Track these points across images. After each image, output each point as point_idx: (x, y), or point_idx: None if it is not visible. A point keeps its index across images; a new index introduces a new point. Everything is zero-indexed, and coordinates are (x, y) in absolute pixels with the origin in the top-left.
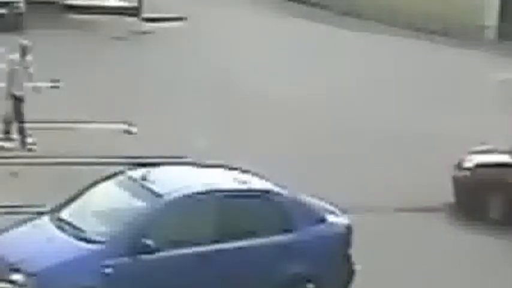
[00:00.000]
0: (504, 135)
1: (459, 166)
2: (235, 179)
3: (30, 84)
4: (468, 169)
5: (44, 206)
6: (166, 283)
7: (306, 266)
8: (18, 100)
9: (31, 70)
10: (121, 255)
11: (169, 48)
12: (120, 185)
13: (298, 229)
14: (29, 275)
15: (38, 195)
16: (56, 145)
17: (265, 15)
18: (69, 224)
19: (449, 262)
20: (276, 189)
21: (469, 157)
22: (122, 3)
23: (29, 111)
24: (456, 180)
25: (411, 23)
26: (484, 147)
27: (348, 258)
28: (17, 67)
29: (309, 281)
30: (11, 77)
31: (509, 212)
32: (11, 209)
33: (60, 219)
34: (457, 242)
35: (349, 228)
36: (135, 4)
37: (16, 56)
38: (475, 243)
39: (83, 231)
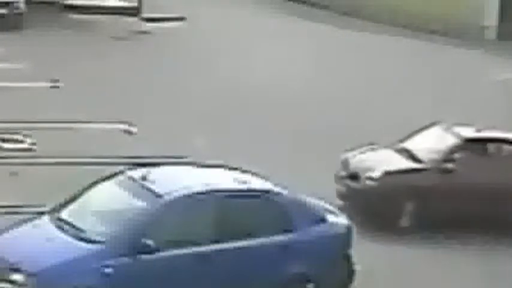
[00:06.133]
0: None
1: (344, 167)
2: (235, 179)
3: None
4: (375, 179)
5: (44, 206)
6: (166, 283)
7: (306, 266)
8: None
9: None
10: (121, 255)
11: (169, 48)
12: (120, 185)
13: (298, 229)
14: (29, 275)
15: (38, 195)
16: (56, 145)
17: (265, 15)
18: (69, 224)
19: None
20: (276, 189)
21: (353, 158)
22: (122, 3)
23: (29, 111)
24: (363, 191)
25: (411, 23)
26: (368, 147)
27: (348, 258)
28: None
29: (309, 281)
30: None
31: (422, 218)
32: (11, 209)
33: (60, 219)
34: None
35: (349, 228)
36: (135, 4)
37: None
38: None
39: (82, 231)
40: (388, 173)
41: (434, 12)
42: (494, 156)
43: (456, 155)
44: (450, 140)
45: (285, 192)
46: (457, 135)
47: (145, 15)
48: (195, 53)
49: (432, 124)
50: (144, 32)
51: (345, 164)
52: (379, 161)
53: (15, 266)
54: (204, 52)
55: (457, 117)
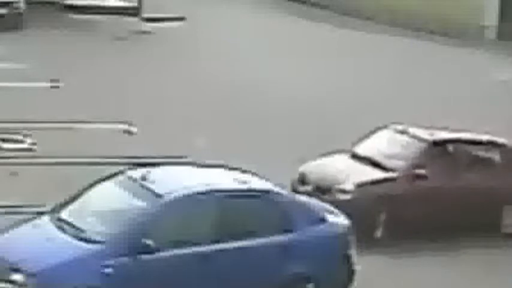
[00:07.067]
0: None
1: (303, 180)
2: (235, 179)
3: None
4: (348, 191)
5: (44, 206)
6: (166, 283)
7: (306, 266)
8: None
9: None
10: (121, 255)
11: (169, 48)
12: (120, 185)
13: (298, 229)
14: (29, 275)
15: (38, 195)
16: (56, 145)
17: (265, 15)
18: (69, 224)
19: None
20: (276, 189)
21: (310, 170)
22: (122, 3)
23: (29, 111)
24: (335, 205)
25: (411, 23)
26: (321, 157)
27: (348, 258)
28: None
29: (309, 281)
30: None
31: (401, 228)
32: (11, 209)
33: (60, 219)
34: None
35: (349, 229)
36: (135, 4)
37: None
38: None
39: (83, 231)
40: (360, 185)
41: (434, 12)
42: (458, 157)
43: (425, 160)
44: (412, 144)
45: (285, 192)
46: (417, 138)
47: (146, 15)
48: (195, 52)
49: (382, 127)
50: (144, 32)
51: (303, 177)
52: (343, 172)
53: (15, 266)
54: (204, 52)
55: (457, 117)
